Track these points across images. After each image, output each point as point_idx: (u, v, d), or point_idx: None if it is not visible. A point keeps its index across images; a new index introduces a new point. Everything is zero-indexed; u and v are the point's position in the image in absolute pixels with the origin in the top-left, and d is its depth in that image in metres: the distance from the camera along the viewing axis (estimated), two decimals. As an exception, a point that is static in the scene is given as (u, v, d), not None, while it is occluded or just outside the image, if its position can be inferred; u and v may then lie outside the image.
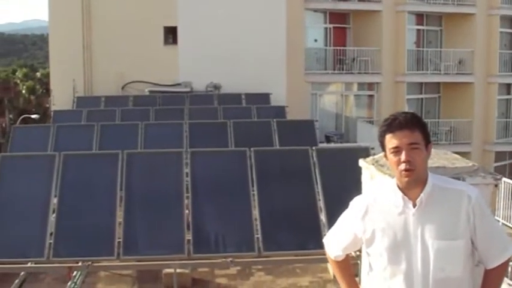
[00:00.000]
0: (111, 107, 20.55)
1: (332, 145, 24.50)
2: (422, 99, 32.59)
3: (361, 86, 31.75)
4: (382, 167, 4.68)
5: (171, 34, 27.29)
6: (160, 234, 9.01)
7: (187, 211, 9.22)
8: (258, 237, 9.02)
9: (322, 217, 9.36)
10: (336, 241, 3.99)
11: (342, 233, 3.93)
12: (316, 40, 31.15)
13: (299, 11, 28.56)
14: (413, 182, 3.56)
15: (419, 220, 3.58)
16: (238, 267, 10.33)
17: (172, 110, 19.87)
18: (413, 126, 3.55)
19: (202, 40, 26.56)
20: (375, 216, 3.69)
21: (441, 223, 3.56)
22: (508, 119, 33.69)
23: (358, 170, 10.09)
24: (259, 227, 9.12)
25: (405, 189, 3.60)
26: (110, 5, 26.50)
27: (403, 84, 30.65)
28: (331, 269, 4.18)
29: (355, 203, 3.84)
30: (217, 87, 26.52)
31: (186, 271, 9.91)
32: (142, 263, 9.09)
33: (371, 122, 29.78)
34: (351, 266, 4.13)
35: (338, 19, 31.20)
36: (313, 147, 10.52)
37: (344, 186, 10.01)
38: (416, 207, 3.58)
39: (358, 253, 8.64)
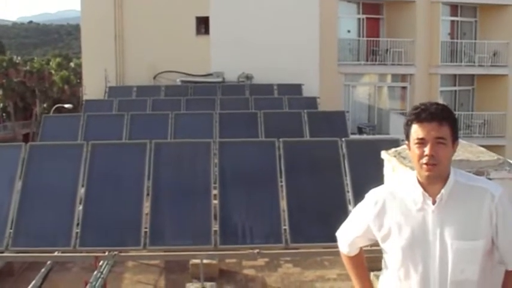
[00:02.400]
0: (143, 97, 20.58)
1: (362, 136, 24.30)
2: (456, 91, 32.24)
3: (394, 77, 31.50)
4: (404, 160, 4.54)
5: (203, 24, 27.32)
6: (187, 224, 8.97)
7: (214, 202, 9.17)
8: (285, 229, 8.95)
9: (351, 209, 9.25)
10: (349, 236, 3.85)
11: (356, 228, 3.79)
12: (349, 31, 30.94)
13: (332, 1, 28.40)
14: (434, 177, 3.38)
15: (438, 218, 3.41)
16: (266, 259, 10.26)
17: (203, 100, 19.85)
18: (443, 120, 3.35)
19: (234, 30, 26.53)
20: (391, 212, 3.53)
21: (462, 222, 3.38)
22: (543, 112, 33.11)
23: (388, 162, 10.03)
24: (286, 219, 9.04)
25: (425, 185, 3.43)
26: (143, -6, 26.58)
27: (436, 76, 30.34)
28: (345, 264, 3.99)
29: (371, 197, 3.67)
30: (249, 77, 26.44)
31: (214, 262, 9.85)
32: (168, 253, 9.07)
33: (404, 114, 29.48)
34: (364, 262, 3.96)
35: (371, 10, 30.98)
36: (343, 139, 10.40)
37: (373, 178, 9.85)
38: (436, 204, 3.41)
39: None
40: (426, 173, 3.37)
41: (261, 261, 10.37)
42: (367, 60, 30.34)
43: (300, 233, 9.01)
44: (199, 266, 9.30)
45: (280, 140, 10.06)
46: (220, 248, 8.79)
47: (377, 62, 30.14)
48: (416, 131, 3.40)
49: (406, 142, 3.52)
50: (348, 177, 9.59)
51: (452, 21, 32.04)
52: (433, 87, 30.40)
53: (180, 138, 13.83)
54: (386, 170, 5.09)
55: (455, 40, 31.49)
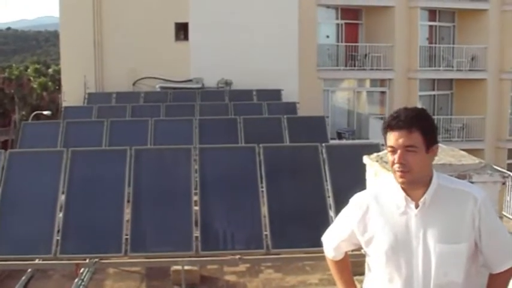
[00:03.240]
0: (122, 103, 20.52)
1: (342, 141, 24.35)
2: (434, 95, 32.40)
3: (373, 82, 31.61)
4: (386, 164, 4.56)
5: (182, 30, 27.30)
6: (168, 231, 8.96)
7: (195, 208, 9.17)
8: (266, 234, 8.96)
9: (332, 214, 9.27)
10: (334, 240, 3.85)
11: (340, 232, 3.79)
12: (328, 36, 31.00)
13: (311, 7, 28.45)
14: (407, 183, 3.39)
15: (421, 222, 3.42)
16: (247, 264, 10.25)
17: (183, 106, 19.82)
18: (412, 127, 3.34)
19: (214, 36, 26.54)
20: (375, 216, 3.54)
21: (445, 225, 3.39)
22: (521, 116, 33.41)
23: (368, 167, 10.07)
24: (267, 224, 9.05)
25: (407, 189, 3.44)
26: (122, 1, 26.48)
27: (415, 80, 30.48)
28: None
29: (355, 201, 3.68)
30: (228, 83, 26.45)
31: (195, 268, 9.83)
32: (150, 259, 9.05)
33: (383, 119, 29.55)
34: (349, 266, 3.98)
35: (350, 15, 31.08)
36: (323, 144, 10.43)
37: (354, 183, 9.91)
38: (419, 207, 3.42)
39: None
40: (400, 180, 3.40)
41: (242, 267, 10.35)
42: (346, 66, 30.40)
43: (281, 238, 9.02)
44: (180, 273, 9.28)
45: (260, 145, 10.07)
46: (201, 254, 8.80)
47: (356, 67, 30.21)
48: (388, 138, 3.42)
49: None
50: (329, 182, 9.62)
51: (431, 26, 32.21)
52: (411, 92, 30.53)
53: (160, 144, 13.81)
54: (368, 175, 5.11)
55: (434, 45, 31.65)
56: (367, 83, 31.68)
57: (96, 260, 8.62)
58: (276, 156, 10.09)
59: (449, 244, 3.38)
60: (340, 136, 28.10)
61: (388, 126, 3.41)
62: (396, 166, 3.37)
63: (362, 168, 10.04)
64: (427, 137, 3.38)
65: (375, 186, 3.89)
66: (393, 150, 3.38)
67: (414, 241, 3.42)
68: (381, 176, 4.68)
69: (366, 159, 5.14)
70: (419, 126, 3.36)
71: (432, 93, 32.30)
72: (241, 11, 26.70)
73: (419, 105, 30.35)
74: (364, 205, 3.60)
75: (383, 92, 31.23)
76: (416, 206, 3.43)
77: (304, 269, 10.59)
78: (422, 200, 3.42)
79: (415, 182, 3.40)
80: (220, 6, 26.55)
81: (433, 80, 31.91)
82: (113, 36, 26.33)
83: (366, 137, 28.31)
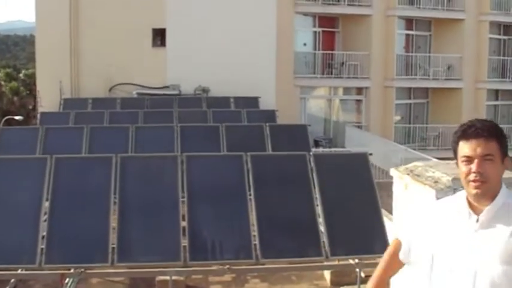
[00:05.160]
0: (99, 109, 20.29)
1: (330, 150, 24.22)
2: (410, 104, 32.47)
3: (349, 90, 31.58)
4: (418, 177, 4.42)
5: (159, 36, 27.05)
6: (155, 240, 8.81)
7: (183, 216, 9.02)
8: (255, 244, 8.83)
9: (321, 223, 9.19)
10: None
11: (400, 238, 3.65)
12: (305, 44, 30.92)
13: (289, 15, 28.37)
14: (482, 195, 3.25)
15: (481, 238, 3.27)
16: (233, 274, 10.12)
17: (161, 113, 19.68)
18: (490, 136, 3.24)
19: (191, 43, 26.36)
20: (433, 229, 3.42)
21: (504, 244, 3.23)
22: (496, 126, 33.43)
23: (355, 176, 10.00)
24: (256, 234, 8.94)
25: (474, 203, 3.31)
26: (98, 6, 26.17)
27: (392, 89, 30.51)
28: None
29: (418, 212, 3.61)
30: (205, 90, 26.28)
31: (181, 278, 9.69)
32: (136, 270, 8.86)
33: (359, 127, 29.68)
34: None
35: (327, 23, 31.01)
36: (311, 153, 10.37)
37: (342, 192, 9.95)
38: (479, 223, 3.28)
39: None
40: (474, 191, 3.26)
41: (227, 277, 10.24)
42: (323, 73, 30.30)
43: (270, 248, 8.93)
44: (165, 283, 9.13)
45: (248, 154, 9.96)
46: (190, 264, 8.64)
47: (333, 75, 30.14)
48: (462, 148, 3.29)
49: (456, 161, 3.39)
50: (317, 191, 9.54)
51: (408, 35, 32.27)
52: (388, 100, 30.57)
53: (141, 152, 13.61)
54: (396, 187, 4.96)
55: (410, 54, 31.73)
56: (344, 91, 31.65)
57: (82, 270, 8.41)
58: (264, 164, 10.01)
59: (508, 265, 3.23)
60: (317, 144, 27.99)
61: (463, 136, 3.30)
62: (472, 176, 3.24)
63: (349, 176, 10.03)
64: (503, 147, 3.30)
65: (438, 200, 3.70)
66: (469, 160, 3.26)
67: (471, 259, 3.28)
68: (412, 189, 4.53)
69: (393, 171, 5.00)
70: (497, 135, 3.28)
71: (408, 101, 32.36)
72: (219, 17, 26.57)
73: (394, 114, 30.55)
74: (425, 218, 3.51)
75: (359, 100, 31.22)
76: (477, 220, 3.30)
77: (290, 279, 10.53)
78: (481, 215, 3.29)
79: (487, 195, 3.27)
80: (198, 13, 26.37)
81: (409, 88, 31.98)
82: (89, 41, 26.01)
83: (342, 145, 28.25)
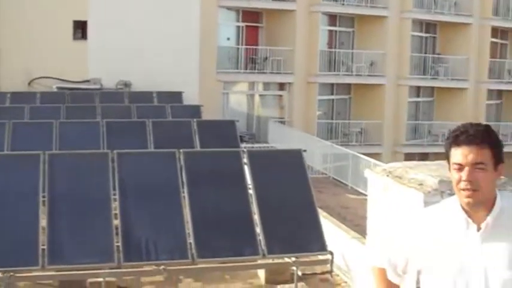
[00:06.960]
0: (18, 104, 19.59)
1: (252, 146, 24.16)
2: (333, 100, 32.77)
3: (273, 85, 31.68)
4: (400, 179, 4.25)
5: (80, 29, 26.45)
6: (88, 241, 8.50)
7: (116, 215, 8.73)
8: (190, 243, 8.62)
9: (256, 221, 9.05)
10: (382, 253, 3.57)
11: (389, 248, 3.52)
12: (228, 38, 30.84)
13: (212, 8, 28.21)
14: (474, 204, 3.14)
15: (483, 246, 3.16)
16: (166, 274, 9.86)
17: (83, 108, 19.20)
18: (483, 143, 3.13)
19: (113, 36, 25.88)
20: (431, 239, 3.27)
21: (508, 251, 3.15)
22: (417, 121, 34.35)
23: (291, 173, 9.90)
24: (191, 233, 8.73)
25: (469, 211, 3.19)
26: (18, -3, 25.43)
27: (315, 84, 30.72)
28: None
29: (410, 222, 3.49)
30: (127, 84, 25.87)
31: (112, 279, 9.36)
32: (68, 272, 8.51)
33: (283, 122, 29.74)
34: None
35: (251, 18, 31.00)
36: (244, 149, 10.22)
37: (277, 189, 9.84)
38: (480, 231, 3.17)
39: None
40: (466, 200, 3.15)
41: (159, 277, 9.96)
42: (246, 68, 30.30)
43: (206, 247, 8.77)
44: (98, 285, 8.81)
45: (181, 150, 9.73)
46: (124, 265, 8.36)
47: (256, 70, 30.18)
48: (454, 155, 3.18)
49: (448, 166, 3.26)
50: (252, 189, 9.41)
51: (331, 31, 32.57)
52: (311, 96, 30.75)
53: (67, 148, 13.11)
54: (373, 189, 4.75)
55: (334, 49, 32.01)
56: (267, 87, 31.70)
57: (11, 274, 8.01)
58: (197, 161, 9.81)
59: None
60: (241, 139, 27.83)
61: (455, 142, 3.18)
62: (463, 184, 3.12)
63: (284, 173, 9.92)
64: (496, 155, 3.18)
65: (432, 207, 3.55)
66: (460, 168, 3.15)
67: (475, 268, 3.17)
68: (392, 190, 4.35)
69: (369, 172, 4.79)
70: (489, 142, 3.16)
71: (331, 97, 32.67)
72: (142, 11, 26.18)
73: (316, 109, 30.73)
74: (419, 227, 3.36)
75: (282, 96, 31.29)
76: (478, 229, 3.19)
77: (224, 278, 10.32)
78: (484, 223, 3.17)
79: (481, 203, 3.16)
80: (121, 5, 25.93)
81: (332, 84, 32.26)
82: (8, 33, 25.22)
83: (265, 140, 28.32)
